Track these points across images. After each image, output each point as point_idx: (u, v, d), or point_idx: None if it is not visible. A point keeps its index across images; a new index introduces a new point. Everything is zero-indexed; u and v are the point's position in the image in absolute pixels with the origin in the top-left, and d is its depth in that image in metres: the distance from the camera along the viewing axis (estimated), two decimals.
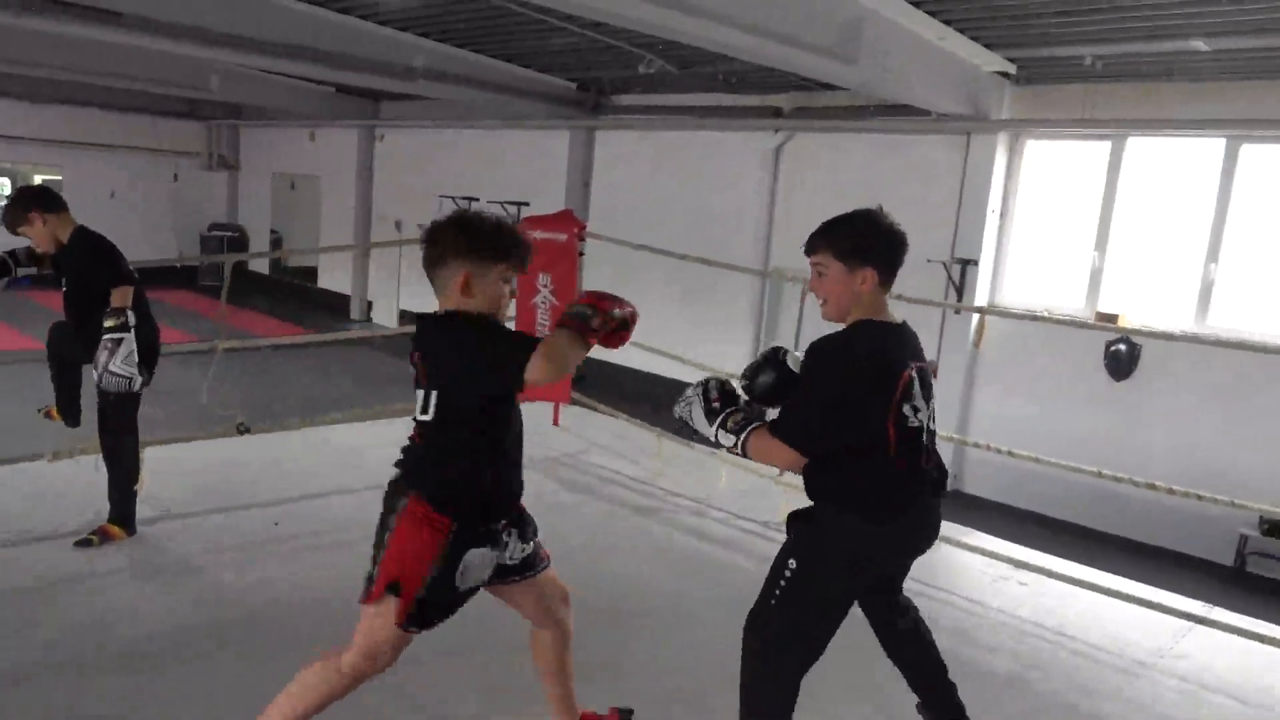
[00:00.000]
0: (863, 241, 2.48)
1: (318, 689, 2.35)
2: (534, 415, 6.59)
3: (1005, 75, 8.56)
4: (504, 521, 2.43)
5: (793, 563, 2.45)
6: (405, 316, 15.33)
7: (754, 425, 2.46)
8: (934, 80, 8.08)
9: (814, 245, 2.56)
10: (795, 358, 2.58)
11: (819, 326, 2.65)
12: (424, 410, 2.36)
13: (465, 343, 2.29)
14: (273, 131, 18.48)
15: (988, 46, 7.81)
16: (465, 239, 2.33)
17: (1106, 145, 8.49)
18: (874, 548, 2.49)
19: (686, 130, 11.48)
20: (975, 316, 9.07)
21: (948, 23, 7.17)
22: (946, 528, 5.14)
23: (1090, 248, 8.66)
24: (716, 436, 2.51)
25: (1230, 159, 7.84)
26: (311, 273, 18.15)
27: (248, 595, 3.68)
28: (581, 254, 5.81)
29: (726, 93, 10.87)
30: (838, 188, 10.20)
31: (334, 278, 17.38)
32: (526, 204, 12.65)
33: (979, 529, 5.62)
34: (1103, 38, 7.19)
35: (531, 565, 2.54)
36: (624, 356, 11.08)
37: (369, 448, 5.67)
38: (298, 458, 5.45)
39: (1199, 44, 6.76)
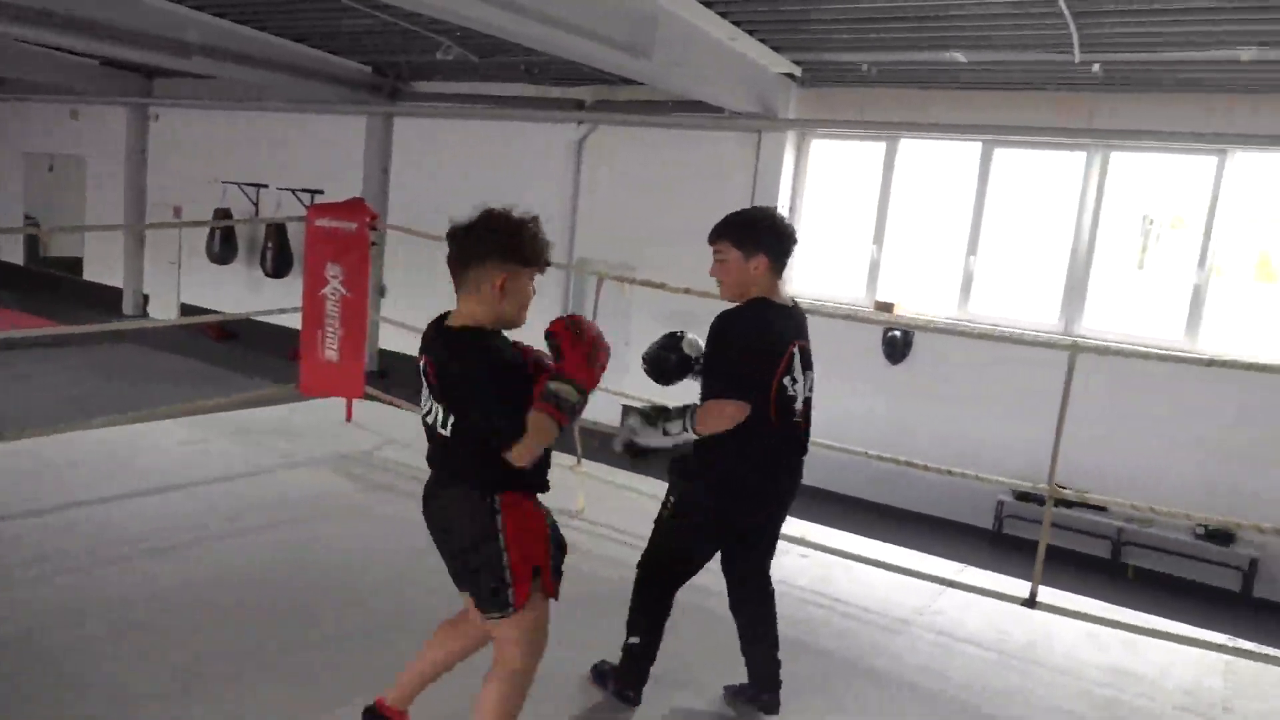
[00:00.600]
0: (756, 232, 2.86)
1: (505, 704, 2.39)
2: (324, 412, 6.32)
3: (791, 77, 9.03)
4: None
5: (672, 498, 2.96)
6: (188, 310, 14.27)
7: (690, 408, 2.81)
8: (726, 79, 8.39)
9: (716, 235, 2.91)
10: (692, 341, 2.99)
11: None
12: (442, 425, 2.38)
13: (465, 383, 2.31)
14: (25, 106, 16.62)
15: (775, 49, 8.20)
16: (507, 242, 2.35)
17: (882, 146, 9.14)
18: (744, 494, 2.89)
19: (489, 120, 11.34)
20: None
21: (738, 24, 7.46)
22: None
23: (869, 241, 9.31)
24: (669, 434, 2.82)
25: (986, 162, 8.66)
26: (77, 264, 16.51)
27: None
28: (374, 244, 5.59)
29: (529, 83, 10.83)
30: (639, 181, 10.41)
31: (103, 269, 15.88)
32: (320, 191, 12.07)
33: None
34: (876, 46, 7.72)
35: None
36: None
37: (138, 453, 5.24)
38: (51, 466, 4.95)
39: (958, 55, 7.40)
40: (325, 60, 10.97)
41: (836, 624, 3.95)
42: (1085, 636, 4.03)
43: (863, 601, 4.19)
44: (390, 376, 11.90)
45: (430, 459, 2.49)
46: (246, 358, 12.17)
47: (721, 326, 2.84)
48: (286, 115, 13.03)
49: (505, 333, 2.49)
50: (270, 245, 12.87)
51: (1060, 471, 4.22)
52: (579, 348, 2.32)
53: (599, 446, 5.73)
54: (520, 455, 2.23)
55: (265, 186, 13.20)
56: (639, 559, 3.10)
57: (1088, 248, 8.32)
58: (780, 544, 4.75)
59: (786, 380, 2.83)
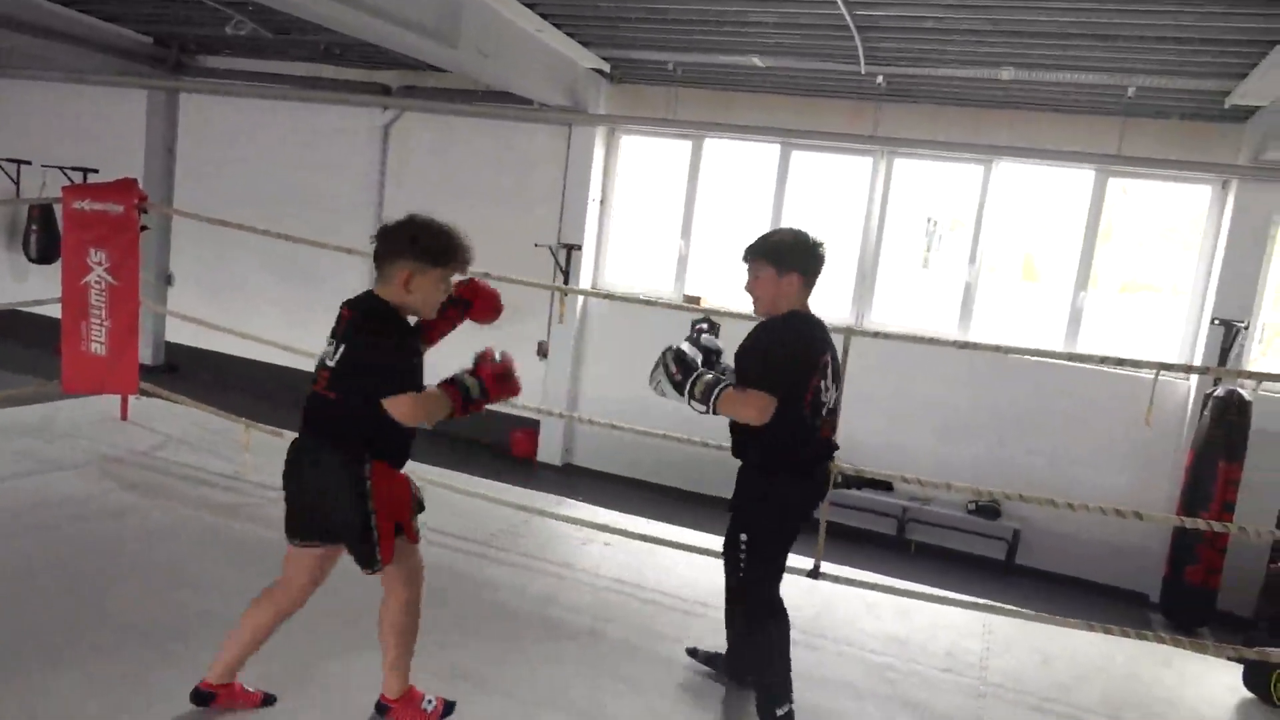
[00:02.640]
0: (790, 251, 3.07)
1: (405, 631, 2.84)
2: (97, 410, 5.80)
3: (601, 73, 9.11)
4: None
5: (744, 536, 3.08)
6: None
7: (721, 388, 2.92)
8: (535, 71, 8.35)
9: (752, 253, 3.12)
10: (703, 332, 3.18)
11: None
12: (331, 358, 2.67)
13: (365, 333, 2.66)
14: None
15: (584, 44, 8.24)
16: (414, 243, 2.68)
17: (688, 144, 9.40)
18: (796, 498, 3.09)
19: (285, 100, 10.74)
20: (580, 298, 9.58)
21: (545, 16, 7.44)
22: (541, 499, 5.39)
23: (677, 236, 9.55)
24: (690, 404, 2.95)
25: (784, 162, 9.09)
26: None
27: None
28: (145, 228, 5.15)
29: (330, 64, 10.35)
30: (449, 170, 10.19)
31: None
32: (95, 171, 11.01)
33: (580, 499, 5.97)
34: (681, 46, 7.92)
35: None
36: (213, 342, 10.13)
37: None
38: None
39: (757, 60, 7.72)
40: (97, 26, 10.02)
41: (637, 610, 4.03)
42: (865, 607, 4.31)
43: (664, 587, 4.30)
44: (179, 371, 11.07)
45: (306, 415, 2.73)
46: (9, 352, 10.94)
47: (762, 333, 3.03)
48: (53, 86, 11.81)
49: None
50: (34, 229, 11.61)
51: (847, 454, 4.49)
52: (499, 366, 2.73)
53: None
54: (406, 411, 2.58)
55: (28, 163, 11.90)
56: (734, 613, 3.25)
57: (875, 246, 8.91)
58: (585, 533, 4.83)
59: (822, 384, 3.02)
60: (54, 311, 5.34)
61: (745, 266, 3.15)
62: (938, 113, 8.42)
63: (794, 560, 4.47)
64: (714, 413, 2.94)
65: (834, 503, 8.87)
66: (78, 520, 4.26)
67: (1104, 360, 4.14)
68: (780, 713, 3.05)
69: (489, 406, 2.79)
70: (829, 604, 4.29)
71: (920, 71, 7.51)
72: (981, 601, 4.39)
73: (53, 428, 5.53)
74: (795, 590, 4.30)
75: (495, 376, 2.71)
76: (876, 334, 4.67)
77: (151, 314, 10.69)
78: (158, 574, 3.82)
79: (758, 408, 2.89)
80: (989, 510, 8.40)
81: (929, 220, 9.26)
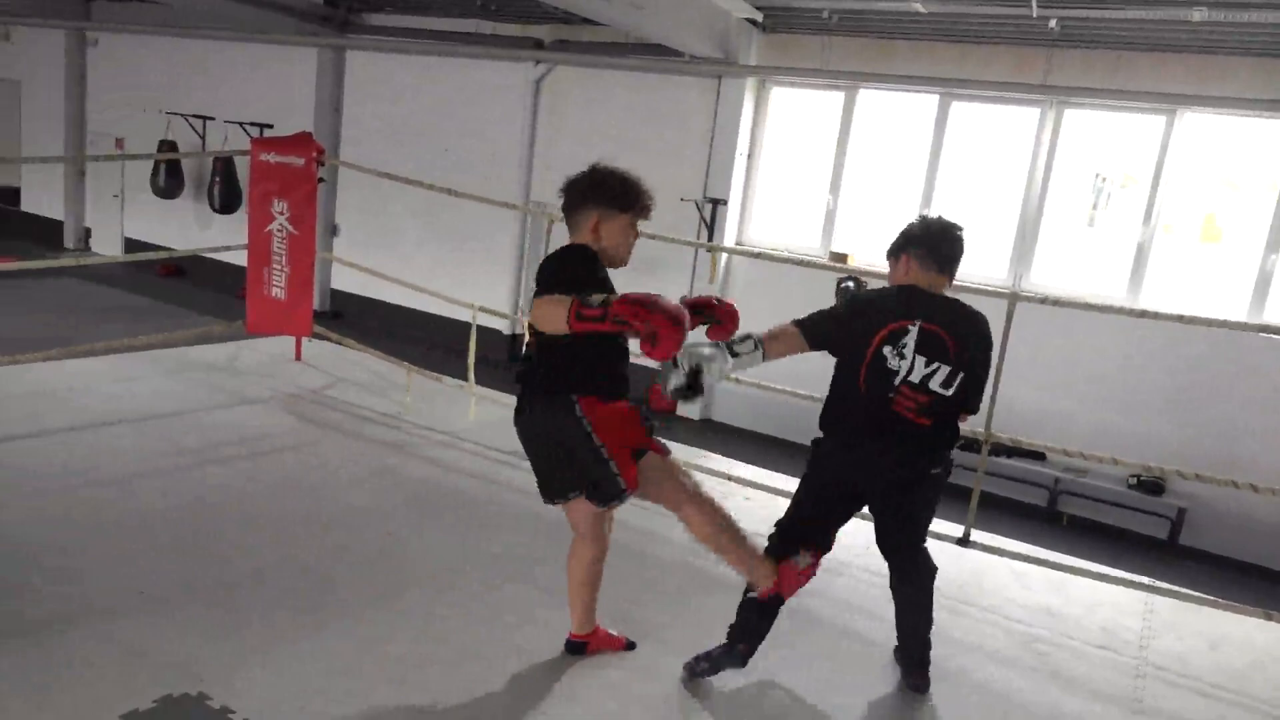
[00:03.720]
0: (901, 239, 3.07)
1: (707, 516, 2.87)
2: (274, 350, 6.25)
3: (753, 23, 8.93)
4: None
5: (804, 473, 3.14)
6: (132, 246, 13.88)
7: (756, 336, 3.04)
8: (687, 22, 8.28)
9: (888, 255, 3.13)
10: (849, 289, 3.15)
11: None
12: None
13: (545, 261, 2.72)
14: None
15: None
16: (598, 190, 2.78)
17: (841, 95, 9.12)
18: (832, 453, 3.05)
19: (444, 56, 11.07)
20: (725, 257, 9.54)
21: None
22: (682, 452, 5.45)
23: (826, 191, 9.33)
24: (738, 354, 3.00)
25: (943, 114, 8.69)
26: (14, 195, 15.91)
27: None
28: (321, 180, 5.47)
29: (486, 19, 10.58)
30: (598, 124, 10.29)
31: (42, 201, 15.34)
32: (270, 126, 11.74)
33: (720, 453, 6.01)
34: None
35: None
36: (380, 291, 10.65)
37: (74, 388, 5.15)
38: None
39: (917, 6, 7.38)
40: None
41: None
42: (1014, 578, 4.19)
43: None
44: (344, 317, 11.76)
45: (520, 377, 2.83)
46: (194, 295, 11.91)
47: (847, 294, 3.10)
48: (234, 45, 12.60)
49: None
50: (218, 180, 12.52)
51: (1000, 421, 4.34)
52: (637, 300, 2.50)
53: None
54: (535, 308, 2.57)
55: (212, 119, 12.80)
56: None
57: (1038, 203, 8.44)
58: (728, 487, 4.87)
59: (887, 350, 2.88)
60: (233, 258, 5.77)
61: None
62: (1116, 59, 7.82)
63: (944, 527, 4.40)
64: (765, 350, 3.03)
65: (986, 471, 8.67)
66: (262, 453, 4.64)
67: None
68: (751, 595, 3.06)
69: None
70: (977, 572, 4.18)
71: (1099, 14, 7.00)
72: (1143, 580, 4.18)
73: (236, 365, 6.01)
74: (944, 557, 4.23)
75: (628, 300, 2.47)
76: (1045, 299, 4.45)
77: (321, 262, 11.37)
78: (335, 507, 4.12)
79: (787, 336, 3.03)
80: (1152, 486, 7.92)
81: (1097, 176, 8.68)
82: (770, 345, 3.02)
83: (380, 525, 3.95)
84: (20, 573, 3.19)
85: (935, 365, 2.88)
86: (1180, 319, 4.22)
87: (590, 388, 2.70)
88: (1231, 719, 3.30)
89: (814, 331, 3.01)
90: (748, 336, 3.01)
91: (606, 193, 2.77)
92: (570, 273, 2.64)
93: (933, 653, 3.22)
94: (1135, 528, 7.97)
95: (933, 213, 3.24)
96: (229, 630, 2.99)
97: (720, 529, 2.87)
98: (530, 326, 2.76)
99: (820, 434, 3.09)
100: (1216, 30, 6.91)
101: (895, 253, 3.08)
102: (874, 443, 2.95)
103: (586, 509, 2.88)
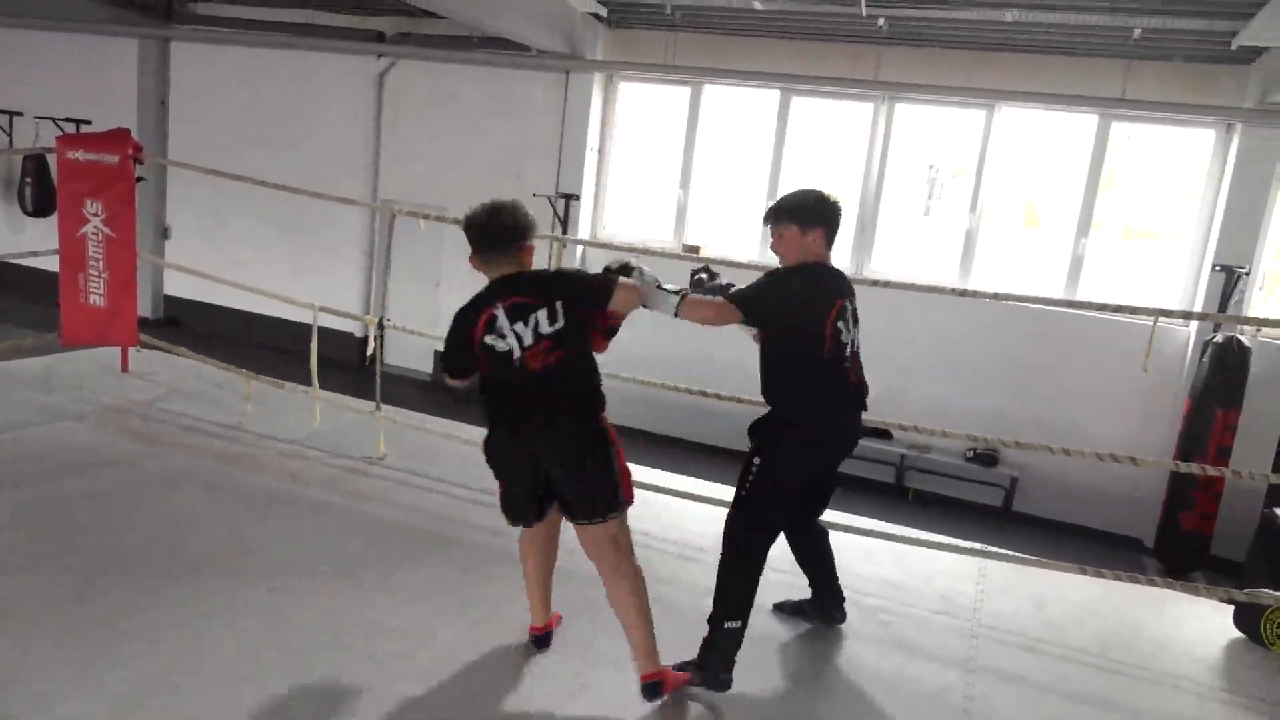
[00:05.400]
0: (813, 209, 3.14)
1: (642, 601, 2.90)
2: (97, 362, 5.82)
3: (598, 18, 8.95)
4: None
5: (757, 460, 3.07)
6: None
7: (684, 292, 3.10)
8: (531, 16, 8.22)
9: (775, 216, 3.16)
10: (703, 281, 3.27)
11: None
12: (548, 325, 2.80)
13: (574, 274, 3.01)
14: None
15: None
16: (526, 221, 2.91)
17: (687, 90, 9.27)
18: (817, 439, 3.11)
19: (279, 49, 10.58)
20: (580, 249, 9.53)
21: None
22: None
23: (677, 185, 9.47)
24: (661, 299, 3.04)
25: (784, 108, 8.97)
26: None
27: None
28: (141, 179, 5.11)
29: (323, 10, 10.18)
30: (445, 119, 10.08)
31: None
32: (88, 122, 10.89)
33: None
34: None
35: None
36: (214, 294, 10.09)
37: None
38: None
39: (756, 3, 7.58)
40: None
41: (639, 556, 4.08)
42: (861, 553, 4.36)
43: (664, 534, 4.34)
44: (181, 324, 11.08)
45: (538, 397, 2.83)
46: (6, 306, 10.94)
47: (778, 270, 3.15)
48: (44, 35, 11.64)
49: None
50: (29, 181, 11.52)
51: None
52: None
53: (398, 393, 5.60)
54: (699, 314, 3.03)
55: (20, 115, 11.79)
56: (724, 536, 3.11)
57: (876, 194, 8.84)
58: None
59: (840, 324, 3.07)
60: (51, 265, 5.33)
61: (768, 229, 3.22)
62: (940, 57, 8.29)
63: None
64: (676, 314, 3.06)
65: None
66: (82, 469, 4.30)
67: (1103, 307, 4.12)
68: (730, 626, 3.08)
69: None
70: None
71: (922, 13, 7.38)
72: (976, 546, 4.43)
73: (54, 379, 5.55)
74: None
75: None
76: (876, 283, 4.65)
77: (150, 267, 10.66)
78: (163, 522, 3.86)
79: (713, 311, 3.05)
80: (987, 458, 8.46)
81: (930, 167, 9.18)
82: (691, 306, 3.05)
83: (213, 533, 3.74)
84: None
85: (855, 331, 3.21)
86: (996, 296, 4.51)
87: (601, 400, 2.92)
88: (1055, 670, 3.55)
89: (755, 304, 3.04)
90: (677, 293, 3.07)
91: (527, 225, 2.93)
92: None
93: (784, 632, 3.35)
94: (974, 498, 8.49)
95: (771, 198, 3.35)
96: (50, 648, 2.76)
97: (646, 607, 2.93)
98: (542, 339, 2.79)
99: (777, 420, 3.12)
100: (1028, 30, 7.42)
101: (803, 222, 3.12)
102: (852, 412, 3.19)
103: (604, 533, 2.88)
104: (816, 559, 3.57)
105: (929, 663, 3.47)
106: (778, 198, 3.27)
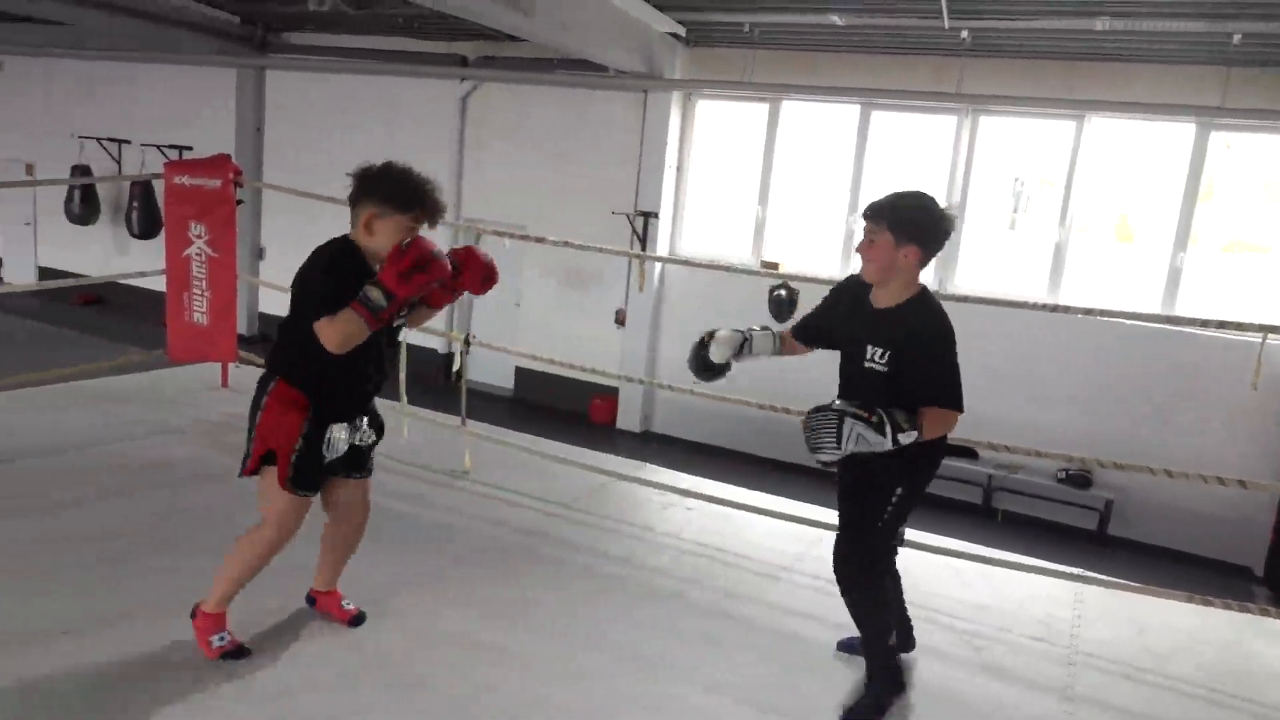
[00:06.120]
0: (915, 222, 2.79)
1: (243, 557, 2.86)
2: (199, 378, 6.06)
3: (677, 37, 9.02)
4: (359, 413, 2.91)
5: (899, 489, 2.88)
6: (47, 274, 13.37)
7: (915, 414, 2.72)
8: (610, 38, 8.33)
9: (873, 213, 2.82)
10: (722, 342, 3.13)
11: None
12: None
13: (308, 266, 2.74)
14: None
15: (659, 8, 8.17)
16: (378, 185, 2.74)
17: (765, 107, 9.26)
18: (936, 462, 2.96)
19: (367, 75, 10.94)
20: (658, 265, 9.58)
21: None
22: (620, 464, 5.44)
23: (755, 201, 9.45)
24: (897, 440, 2.67)
25: (865, 123, 8.88)
26: None
27: None
28: (241, 202, 5.33)
29: (410, 37, 10.49)
30: (526, 140, 10.27)
31: None
32: (189, 148, 11.46)
33: (660, 464, 6.01)
34: (758, 7, 7.79)
35: (364, 464, 3.03)
36: None
37: None
38: None
39: (835, 19, 7.54)
40: (188, 7, 10.36)
41: (719, 574, 4.06)
42: (952, 575, 4.25)
43: (743, 551, 4.31)
44: (272, 340, 11.49)
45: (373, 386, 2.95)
46: (113, 323, 11.51)
47: (936, 328, 2.84)
48: (150, 67, 12.27)
49: None
50: (136, 205, 12.16)
51: None
52: (399, 263, 2.64)
53: (480, 408, 5.70)
54: (325, 335, 2.63)
55: (128, 143, 12.44)
56: (840, 561, 2.98)
57: (960, 208, 8.66)
58: (667, 497, 4.87)
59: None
60: (155, 284, 5.58)
61: (863, 224, 2.90)
62: (1026, 67, 8.11)
63: None
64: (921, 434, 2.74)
65: None
66: (183, 482, 4.48)
67: (1205, 323, 3.95)
68: (892, 641, 3.05)
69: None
70: (915, 572, 4.24)
71: (1007, 24, 7.24)
72: (1073, 570, 4.28)
73: (159, 395, 5.81)
74: None
75: (398, 275, 2.62)
76: (965, 299, 4.55)
77: (246, 286, 11.09)
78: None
79: (954, 424, 2.82)
80: (1080, 479, 8.17)
81: (1016, 180, 8.97)
82: (934, 431, 2.78)
83: (303, 546, 3.85)
84: None
85: None
86: (1090, 312, 4.37)
87: (293, 379, 2.79)
88: (1157, 701, 3.40)
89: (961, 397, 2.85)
90: (912, 421, 2.73)
91: (386, 192, 2.73)
92: (335, 287, 2.65)
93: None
94: (1066, 520, 8.21)
95: (853, 213, 3.20)
96: (146, 666, 2.87)
97: (247, 562, 2.88)
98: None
99: (918, 450, 2.80)
100: (1119, 38, 7.20)
101: (899, 234, 2.79)
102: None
103: (356, 491, 3.08)
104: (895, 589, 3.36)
105: (1026, 689, 3.36)
106: (858, 211, 3.16)
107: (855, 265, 3.05)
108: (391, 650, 3.15)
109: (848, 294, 3.05)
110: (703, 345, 3.18)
